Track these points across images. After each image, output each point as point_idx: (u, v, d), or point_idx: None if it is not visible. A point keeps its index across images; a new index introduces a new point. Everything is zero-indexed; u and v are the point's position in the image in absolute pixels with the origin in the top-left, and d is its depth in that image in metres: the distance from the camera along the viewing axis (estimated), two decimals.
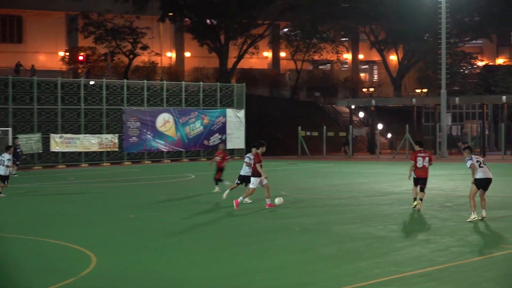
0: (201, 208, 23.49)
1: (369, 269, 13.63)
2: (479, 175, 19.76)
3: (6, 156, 27.00)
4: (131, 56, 69.62)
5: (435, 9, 57.85)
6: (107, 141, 51.14)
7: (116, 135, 51.58)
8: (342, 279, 13.00)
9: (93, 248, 15.94)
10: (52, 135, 48.65)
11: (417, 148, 23.00)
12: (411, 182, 22.65)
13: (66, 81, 52.32)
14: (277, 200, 23.23)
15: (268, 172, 24.84)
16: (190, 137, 55.03)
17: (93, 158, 50.94)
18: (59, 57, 72.45)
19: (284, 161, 53.17)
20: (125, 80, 54.99)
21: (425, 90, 79.81)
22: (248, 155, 24.68)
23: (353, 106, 69.18)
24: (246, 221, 20.54)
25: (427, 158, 22.61)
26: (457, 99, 60.96)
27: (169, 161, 53.93)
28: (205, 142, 56.47)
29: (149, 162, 53.10)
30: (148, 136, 53.05)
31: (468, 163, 19.84)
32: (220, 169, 28.77)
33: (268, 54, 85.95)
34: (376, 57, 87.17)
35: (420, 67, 78.66)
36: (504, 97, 60.12)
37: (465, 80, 76.25)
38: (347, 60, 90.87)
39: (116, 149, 51.75)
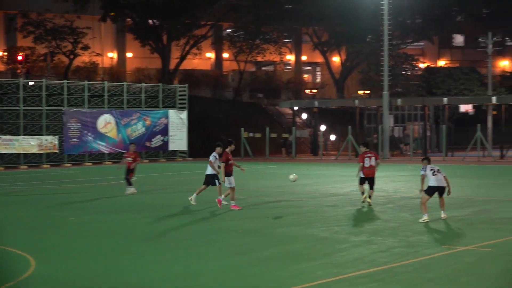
0: (141, 209, 23.13)
1: (312, 271, 13.50)
2: (432, 182, 19.97)
3: None
4: (72, 57, 68.70)
5: (378, 11, 58.21)
6: (47, 142, 50.32)
7: (56, 136, 50.80)
8: (285, 281, 12.86)
9: (32, 252, 15.50)
10: None
11: (363, 149, 23.78)
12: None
13: (4, 82, 51.41)
14: (292, 177, 23.89)
15: None
16: (132, 138, 54.45)
17: (32, 160, 50.06)
18: None
19: None
20: (66, 81, 54.20)
21: (367, 92, 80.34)
22: (213, 154, 24.26)
23: (296, 108, 69.25)
24: (188, 223, 20.26)
25: (373, 158, 23.62)
26: (399, 100, 61.44)
27: (110, 162, 53.23)
28: (147, 144, 55.99)
29: (90, 164, 52.40)
30: (89, 137, 52.37)
31: (421, 173, 20.18)
32: (130, 171, 28.27)
33: (211, 55, 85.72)
34: (319, 58, 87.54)
35: (363, 68, 79.17)
36: (445, 99, 60.77)
37: (407, 82, 76.93)
38: (290, 62, 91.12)
39: (56, 151, 50.95)
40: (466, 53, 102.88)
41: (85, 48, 68.81)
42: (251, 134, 60.98)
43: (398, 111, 68.83)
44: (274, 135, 61.47)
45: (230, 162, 22.90)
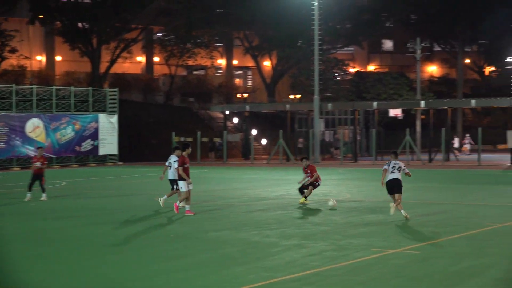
0: (71, 216, 22.82)
1: (243, 275, 13.48)
2: (388, 177, 21.41)
3: None
4: None
5: (308, 16, 58.57)
6: None
7: None
8: (216, 285, 12.85)
9: None
10: None
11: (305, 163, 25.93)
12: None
13: None
14: (331, 203, 24.15)
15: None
16: (61, 143, 53.66)
17: None
18: None
19: (158, 167, 52.57)
20: None
21: (298, 96, 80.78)
22: (171, 157, 24.12)
23: (227, 112, 69.23)
24: (121, 228, 20.02)
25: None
26: (329, 105, 61.92)
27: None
28: (77, 148, 55.26)
29: (18, 168, 51.40)
30: (17, 141, 51.42)
31: (383, 167, 21.69)
32: (39, 176, 27.67)
33: (141, 58, 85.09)
34: (250, 63, 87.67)
35: (294, 73, 79.57)
36: (375, 103, 61.50)
37: (337, 86, 77.59)
38: (221, 66, 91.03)
39: None
40: (395, 58, 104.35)
41: (13, 51, 67.57)
42: (182, 138, 60.63)
43: (328, 115, 69.35)
44: (205, 139, 61.35)
45: (186, 166, 22.54)
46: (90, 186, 35.73)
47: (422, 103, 59.34)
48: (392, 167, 21.51)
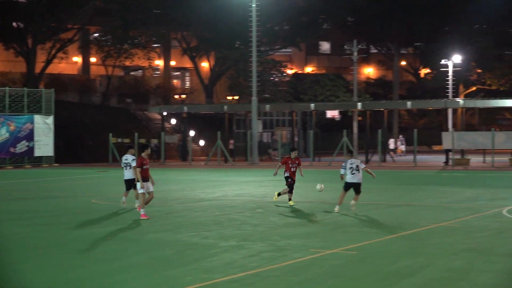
0: (11, 218, 22.44)
1: (181, 277, 13.40)
2: (348, 179, 22.66)
3: None
4: None
5: (246, 18, 58.67)
6: None
7: None
8: (153, 287, 12.67)
9: None
10: None
11: (293, 154, 25.68)
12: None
13: None
14: (318, 187, 24.75)
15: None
16: None
17: None
18: None
19: (94, 169, 52.13)
20: None
21: (236, 97, 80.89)
22: (126, 157, 23.87)
23: (165, 113, 68.92)
24: (51, 231, 19.73)
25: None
26: (267, 106, 62.13)
27: None
28: (12, 150, 54.40)
29: None
30: None
31: (341, 172, 22.94)
32: None
33: (78, 59, 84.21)
34: (188, 64, 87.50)
35: (232, 74, 79.67)
36: (312, 105, 61.88)
37: (275, 87, 77.92)
38: (159, 67, 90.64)
39: None
40: (332, 60, 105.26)
41: None
42: (119, 140, 60.20)
43: (266, 116, 69.56)
44: (143, 141, 60.91)
45: (145, 167, 22.15)
46: (25, 188, 35.17)
47: (359, 105, 59.91)
48: (350, 168, 22.57)
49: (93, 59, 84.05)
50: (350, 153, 23.38)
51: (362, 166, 22.81)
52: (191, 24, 75.68)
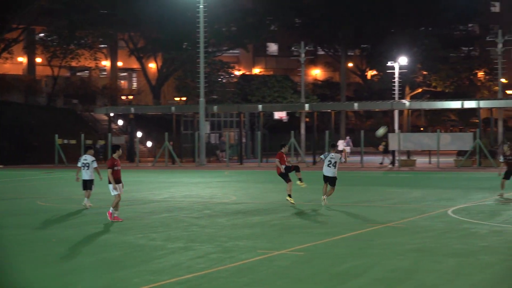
0: None
1: (128, 279, 13.32)
2: (324, 170, 24.83)
3: None
4: None
5: (194, 19, 58.54)
6: None
7: None
8: None
9: None
10: None
11: (284, 149, 25.55)
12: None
13: None
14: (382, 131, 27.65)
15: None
16: None
17: None
18: None
19: (40, 170, 51.53)
20: None
21: (184, 99, 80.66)
22: (86, 157, 23.74)
23: (112, 114, 68.41)
24: (6, 233, 19.49)
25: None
26: (215, 107, 62.04)
27: None
28: None
29: None
30: None
31: (321, 157, 25.07)
32: None
33: (23, 59, 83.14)
34: (136, 64, 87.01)
35: (179, 75, 79.42)
36: (260, 106, 61.98)
37: (223, 89, 77.85)
38: (105, 67, 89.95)
39: None
40: (280, 61, 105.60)
41: None
42: (65, 141, 59.59)
43: (214, 117, 69.48)
44: (89, 142, 60.39)
45: (116, 168, 21.71)
46: None
47: (306, 106, 60.18)
48: (328, 161, 24.61)
49: (38, 60, 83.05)
50: (333, 146, 25.15)
51: (342, 160, 24.82)
52: (138, 24, 75.29)
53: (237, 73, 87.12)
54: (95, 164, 24.31)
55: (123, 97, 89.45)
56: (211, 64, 73.53)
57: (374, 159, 59.04)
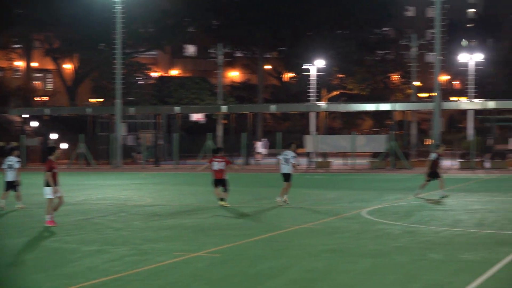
0: None
1: (41, 283, 13.10)
2: (280, 168, 26.20)
3: None
4: None
5: (111, 19, 57.97)
6: None
7: None
8: None
9: None
10: None
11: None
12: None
13: None
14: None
15: None
16: None
17: None
18: None
19: None
20: None
21: (100, 100, 79.79)
22: (11, 159, 23.35)
23: (26, 115, 67.17)
24: None
25: (223, 163, 25.64)
26: (132, 109, 61.62)
27: None
28: None
29: None
30: None
31: (278, 157, 26.47)
32: None
33: None
34: (51, 65, 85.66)
35: (96, 76, 78.55)
36: (177, 108, 61.82)
37: (140, 90, 77.35)
38: (19, 68, 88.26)
39: None
40: (197, 63, 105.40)
41: None
42: None
43: (131, 119, 68.95)
44: (2, 144, 59.18)
45: (54, 171, 20.87)
46: None
47: (224, 108, 60.28)
48: (284, 158, 26.01)
49: None
50: (288, 145, 26.31)
51: (292, 160, 25.79)
52: (54, 24, 74.14)
53: (155, 74, 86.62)
54: (17, 165, 24.14)
55: (38, 98, 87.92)
56: (128, 66, 72.97)
57: None
